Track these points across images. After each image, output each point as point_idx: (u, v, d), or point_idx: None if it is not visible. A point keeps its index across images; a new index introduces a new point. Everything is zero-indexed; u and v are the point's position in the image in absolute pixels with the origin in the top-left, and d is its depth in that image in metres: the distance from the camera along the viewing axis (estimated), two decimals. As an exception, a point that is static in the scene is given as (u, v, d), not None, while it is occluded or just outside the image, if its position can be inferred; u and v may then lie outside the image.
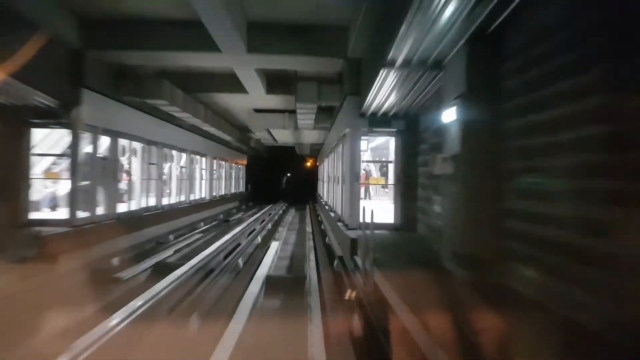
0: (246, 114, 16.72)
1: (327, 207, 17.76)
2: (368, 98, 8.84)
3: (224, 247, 13.20)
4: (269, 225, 20.55)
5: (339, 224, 10.95)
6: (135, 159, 13.43)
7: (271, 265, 11.43)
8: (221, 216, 24.35)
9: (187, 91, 13.57)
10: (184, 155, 18.38)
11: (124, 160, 13.26)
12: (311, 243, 15.27)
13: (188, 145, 18.49)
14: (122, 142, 12.78)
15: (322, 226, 19.35)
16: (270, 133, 19.54)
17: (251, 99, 14.78)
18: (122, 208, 12.42)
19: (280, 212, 29.78)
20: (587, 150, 3.92)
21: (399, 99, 8.49)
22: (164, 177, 16.93)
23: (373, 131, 9.92)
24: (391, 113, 9.58)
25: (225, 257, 12.02)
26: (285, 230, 20.34)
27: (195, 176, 20.54)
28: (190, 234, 16.42)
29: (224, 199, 26.70)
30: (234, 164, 30.86)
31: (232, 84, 13.05)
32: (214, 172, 24.09)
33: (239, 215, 27.08)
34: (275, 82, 13.42)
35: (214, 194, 24.16)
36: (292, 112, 16.18)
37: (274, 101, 15.31)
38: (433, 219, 7.95)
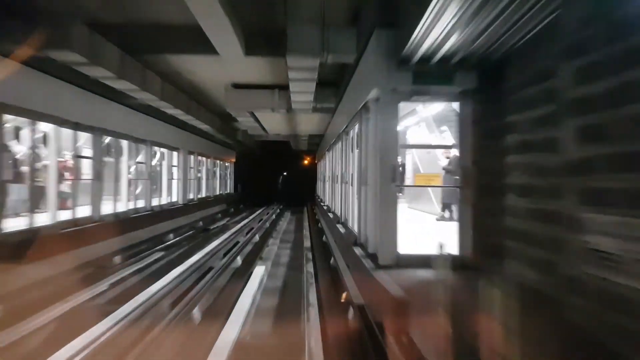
0: (222, 90, 12.45)
1: (330, 215, 13.52)
2: (418, 30, 4.65)
3: (183, 278, 8.95)
4: (257, 237, 16.28)
5: (357, 250, 6.71)
6: (48, 149, 9.10)
7: (248, 314, 7.19)
8: (200, 224, 20.09)
9: (130, 51, 9.30)
10: (143, 147, 14.10)
11: (20, 150, 8.97)
12: (311, 268, 11.02)
13: (149, 134, 14.21)
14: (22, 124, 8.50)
15: (324, 237, 15.19)
16: (256, 119, 15.25)
17: (226, 66, 10.52)
18: (11, 224, 8.11)
19: (274, 216, 25.52)
20: None
21: (481, 25, 4.28)
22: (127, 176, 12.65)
23: (420, 93, 5.64)
24: (455, 60, 5.35)
25: (179, 300, 7.75)
26: (277, 242, 16.09)
27: (162, 175, 16.25)
28: (148, 252, 12.11)
29: (205, 203, 22.43)
30: (219, 161, 26.57)
31: (196, 40, 8.83)
32: (191, 169, 19.80)
33: (224, 221, 22.81)
34: (258, 37, 9.16)
35: (191, 196, 19.86)
36: (284, 87, 11.92)
37: (258, 70, 11.05)
38: (576, 261, 3.68)
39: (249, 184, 35.82)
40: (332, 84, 11.95)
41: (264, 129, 18.08)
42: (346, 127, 9.37)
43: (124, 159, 12.42)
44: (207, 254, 11.67)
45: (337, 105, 11.85)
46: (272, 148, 34.32)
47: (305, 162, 38.81)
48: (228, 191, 29.75)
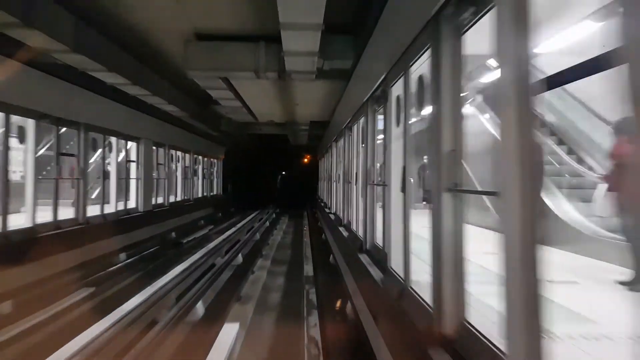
0: (181, 43, 8.20)
1: (343, 232, 9.24)
2: None
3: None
4: (240, 258, 12.03)
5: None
6: None
7: None
8: (172, 235, 15.83)
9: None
10: (76, 133, 9.86)
11: None
12: (315, 322, 6.76)
13: (85, 115, 9.97)
14: None
15: (331, 258, 11.02)
16: (236, 94, 10.94)
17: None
18: None
19: (267, 224, 21.30)
20: None
21: None
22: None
23: None
24: None
25: None
26: (267, 265, 11.85)
27: (109, 172, 12.00)
28: (51, 301, 7.62)
29: (181, 208, 18.16)
30: (202, 158, 22.32)
31: None
32: (159, 166, 15.55)
33: (206, 231, 18.57)
34: None
35: (160, 200, 15.60)
36: (272, 39, 7.67)
37: (233, 8, 6.82)
38: None
39: (241, 185, 31.59)
40: (348, 30, 7.73)
41: (250, 111, 13.73)
42: (378, 87, 5.10)
43: (29, 147, 8.15)
44: (154, 293, 7.37)
45: (355, 64, 7.60)
46: (268, 144, 30.23)
47: (306, 160, 34.91)
48: (214, 193, 25.48)
